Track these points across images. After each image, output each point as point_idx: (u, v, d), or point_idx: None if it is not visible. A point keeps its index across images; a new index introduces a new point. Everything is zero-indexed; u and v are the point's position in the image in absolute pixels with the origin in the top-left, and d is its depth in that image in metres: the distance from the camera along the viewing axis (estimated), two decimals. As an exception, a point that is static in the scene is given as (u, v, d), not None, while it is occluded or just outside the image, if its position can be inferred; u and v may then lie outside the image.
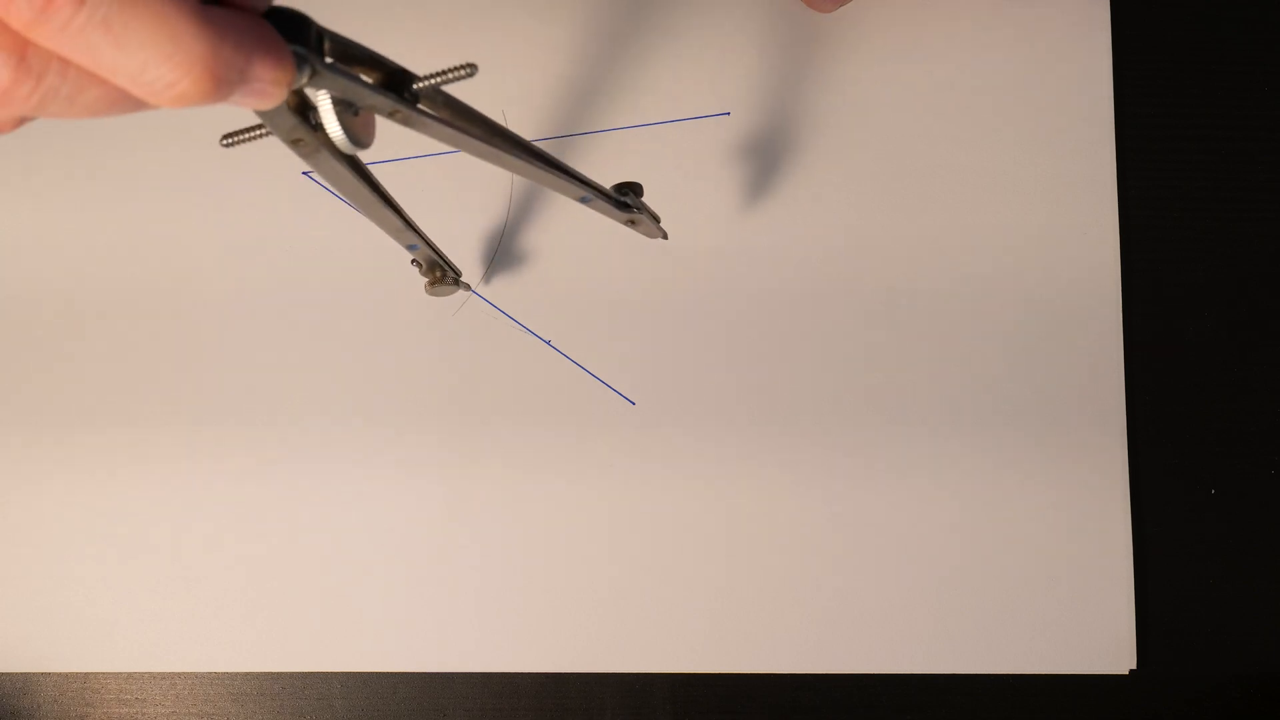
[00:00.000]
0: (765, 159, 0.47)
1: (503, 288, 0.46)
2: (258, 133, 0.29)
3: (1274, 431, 0.46)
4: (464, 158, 0.33)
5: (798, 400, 0.46)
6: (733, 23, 0.47)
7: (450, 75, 0.29)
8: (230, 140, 0.30)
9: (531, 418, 0.45)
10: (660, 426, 0.45)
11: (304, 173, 0.46)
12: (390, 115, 0.29)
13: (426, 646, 0.44)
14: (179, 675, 0.45)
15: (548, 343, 0.46)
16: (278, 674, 0.45)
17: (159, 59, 0.21)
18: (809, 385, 0.46)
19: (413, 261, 0.42)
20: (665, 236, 0.42)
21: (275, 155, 0.42)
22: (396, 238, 0.37)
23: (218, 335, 0.46)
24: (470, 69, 0.29)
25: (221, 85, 0.22)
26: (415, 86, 0.29)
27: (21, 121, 0.23)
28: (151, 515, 0.45)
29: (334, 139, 0.28)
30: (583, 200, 0.37)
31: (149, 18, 0.20)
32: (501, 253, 0.46)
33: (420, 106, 0.29)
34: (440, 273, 0.42)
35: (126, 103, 0.22)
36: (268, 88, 0.23)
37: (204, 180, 0.46)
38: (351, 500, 0.45)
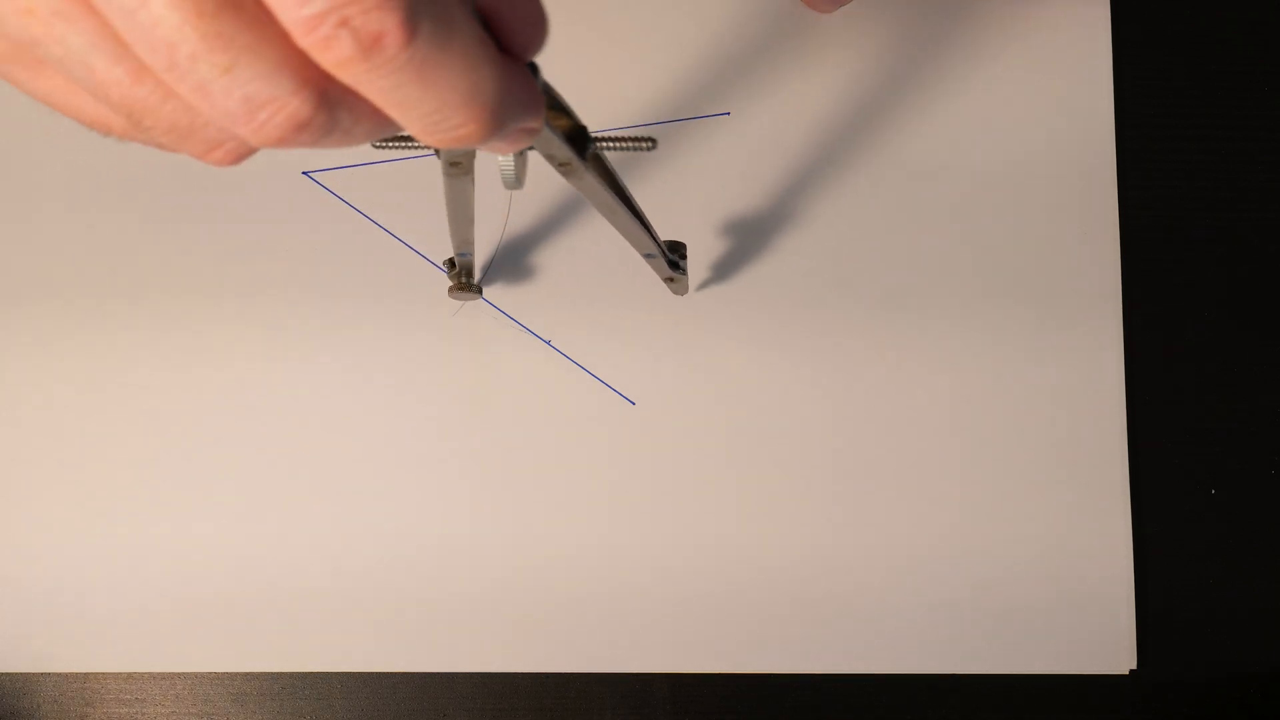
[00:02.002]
0: (765, 159, 0.47)
1: (503, 288, 0.46)
2: (412, 143, 0.29)
3: (1274, 431, 0.46)
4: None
5: (798, 400, 0.46)
6: (733, 23, 0.47)
7: (630, 144, 0.28)
8: (383, 143, 0.29)
9: (531, 418, 0.45)
10: (660, 426, 0.45)
11: (304, 172, 0.46)
12: (560, 165, 0.28)
13: (426, 646, 0.44)
14: (179, 675, 0.45)
15: (548, 343, 0.46)
16: (278, 674, 0.45)
17: (456, 102, 0.20)
18: (809, 385, 0.46)
19: (447, 260, 0.42)
20: (686, 292, 0.43)
21: (275, 155, 0.42)
22: (460, 244, 0.38)
23: (216, 336, 0.46)
24: (651, 143, 0.28)
25: (495, 133, 0.21)
26: (594, 147, 0.28)
27: (253, 152, 0.22)
28: (151, 515, 0.45)
29: (503, 175, 0.28)
30: (647, 256, 0.38)
31: (459, 62, 0.20)
32: (501, 253, 0.46)
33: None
34: (467, 279, 0.43)
35: (385, 132, 0.22)
36: (522, 137, 0.23)
37: (203, 180, 0.46)
38: (351, 501, 0.45)
